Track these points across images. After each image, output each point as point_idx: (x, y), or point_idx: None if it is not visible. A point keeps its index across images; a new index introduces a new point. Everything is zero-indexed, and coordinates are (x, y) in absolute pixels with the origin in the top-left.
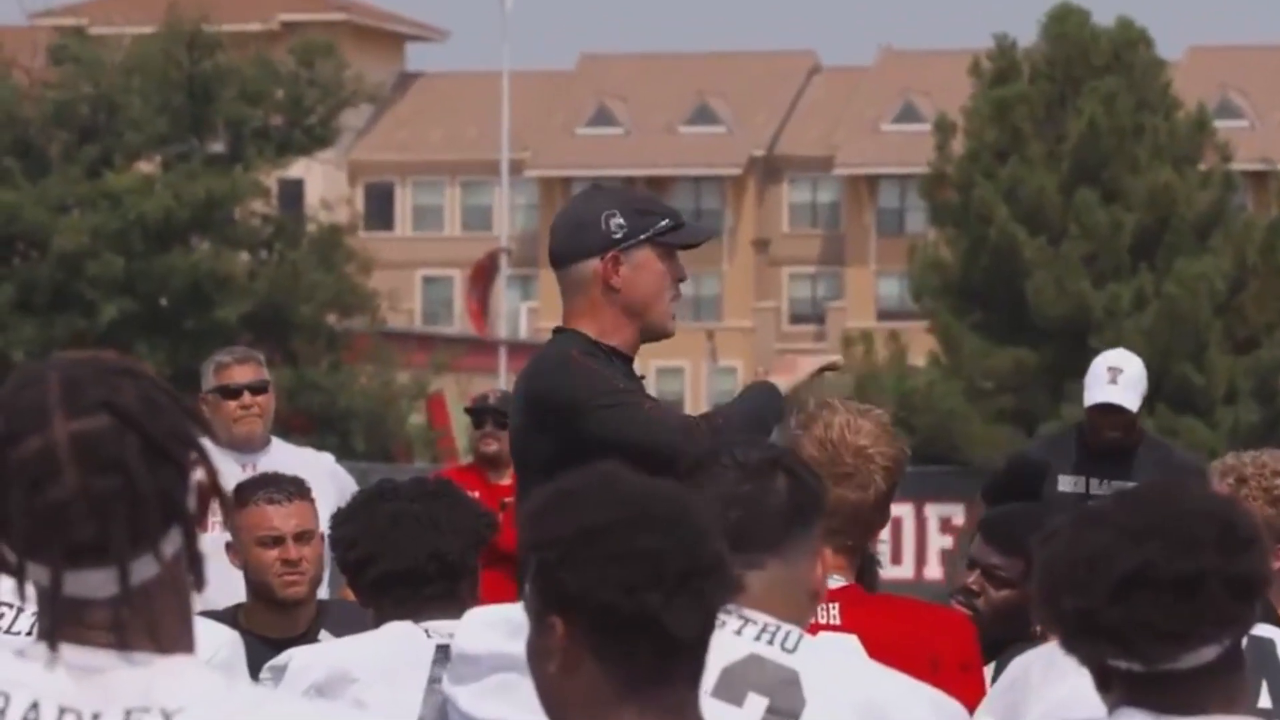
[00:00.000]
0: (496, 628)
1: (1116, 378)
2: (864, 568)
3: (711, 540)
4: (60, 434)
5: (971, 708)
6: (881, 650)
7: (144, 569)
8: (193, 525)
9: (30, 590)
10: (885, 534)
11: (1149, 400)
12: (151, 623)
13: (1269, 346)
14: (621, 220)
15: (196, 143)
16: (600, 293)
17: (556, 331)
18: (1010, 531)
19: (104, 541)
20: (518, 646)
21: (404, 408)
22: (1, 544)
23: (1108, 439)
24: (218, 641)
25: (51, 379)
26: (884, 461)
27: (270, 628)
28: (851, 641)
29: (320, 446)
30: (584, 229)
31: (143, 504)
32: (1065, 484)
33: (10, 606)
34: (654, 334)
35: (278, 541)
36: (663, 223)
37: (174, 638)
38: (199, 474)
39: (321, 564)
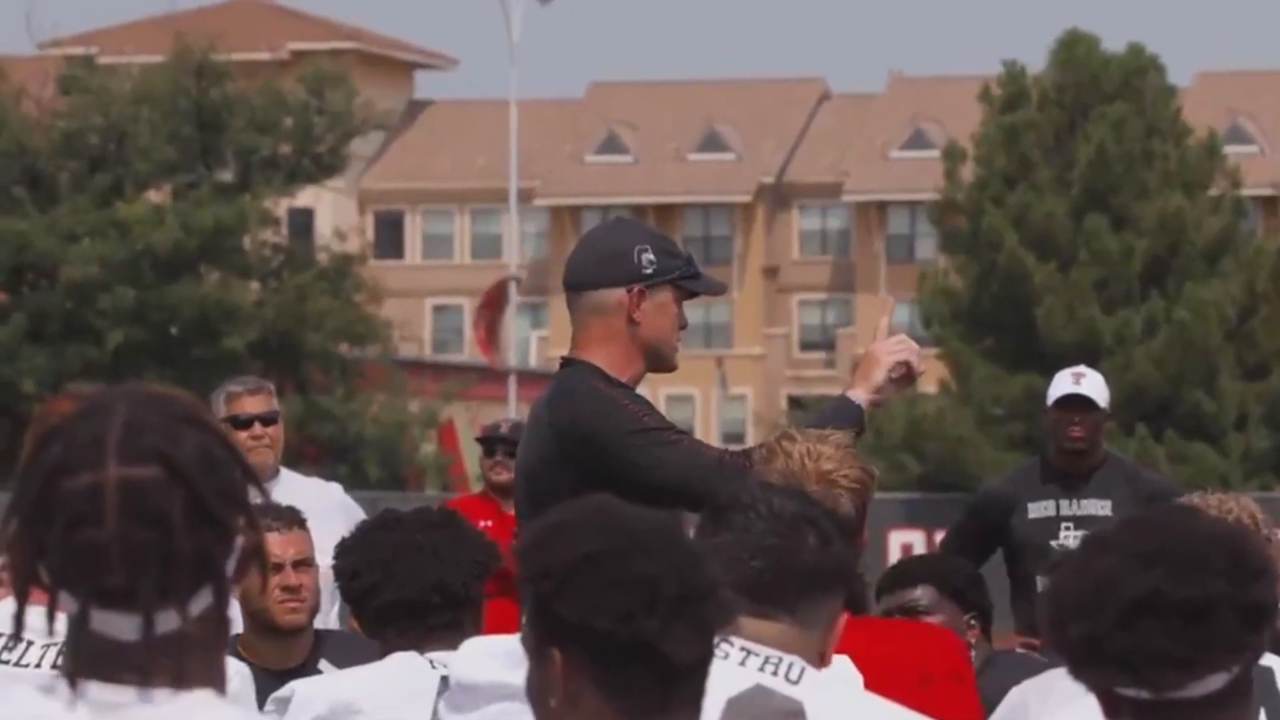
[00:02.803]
0: (497, 657)
1: (1080, 380)
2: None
3: (706, 565)
4: (111, 477)
5: (968, 719)
6: (872, 670)
7: (171, 620)
8: (225, 587)
9: (60, 622)
10: (895, 560)
11: (1158, 426)
12: (177, 664)
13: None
14: (653, 257)
15: (206, 172)
16: (621, 323)
17: (566, 362)
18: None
19: (132, 590)
20: (518, 677)
21: (416, 436)
22: (41, 568)
23: (1073, 440)
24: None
25: (116, 417)
26: (848, 483)
27: (268, 658)
28: (844, 662)
29: (332, 475)
30: (616, 258)
31: (177, 560)
32: (1035, 510)
33: (19, 639)
34: (658, 369)
35: (277, 568)
36: (684, 267)
37: (199, 678)
38: (243, 538)
39: (319, 593)
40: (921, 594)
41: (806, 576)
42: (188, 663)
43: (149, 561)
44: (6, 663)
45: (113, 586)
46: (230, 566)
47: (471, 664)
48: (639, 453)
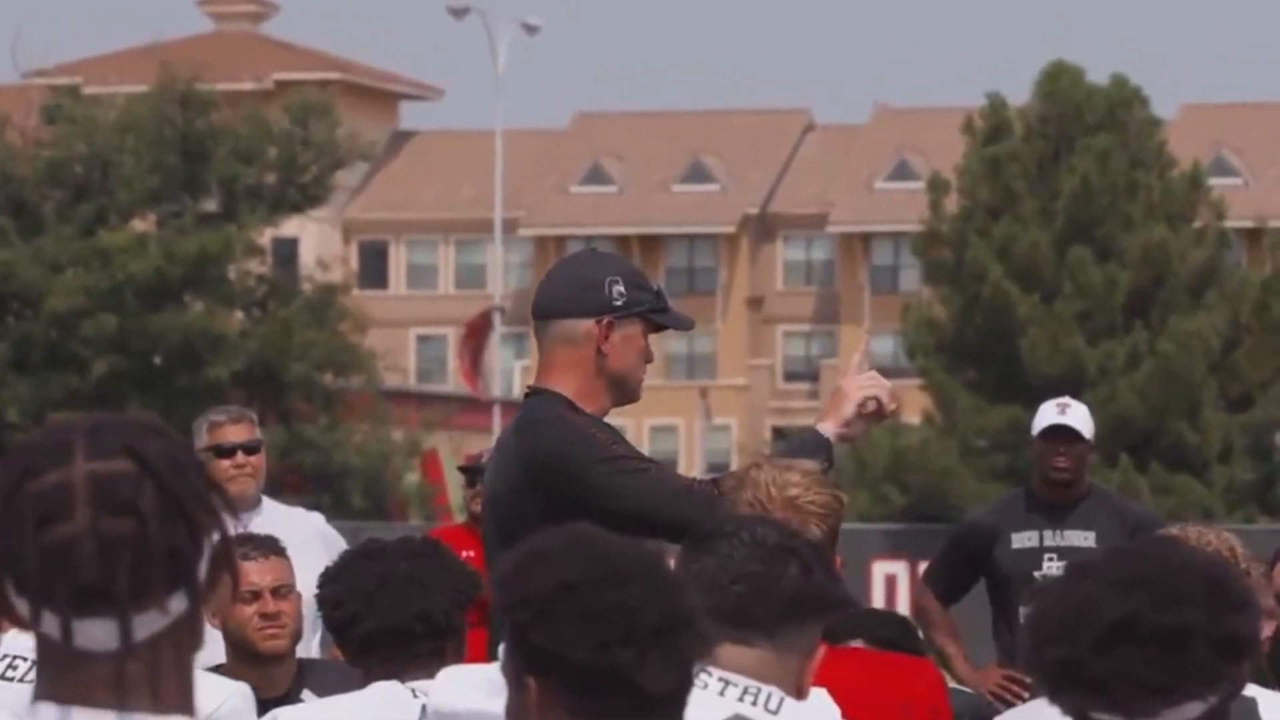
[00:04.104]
0: (476, 686)
1: (1065, 410)
2: None
3: (684, 596)
4: (79, 472)
5: None
6: (850, 701)
7: (148, 624)
8: (198, 591)
9: (33, 645)
10: (879, 592)
11: (1142, 458)
12: (154, 682)
13: (1263, 404)
14: (623, 289)
15: (190, 201)
16: (589, 353)
17: (533, 391)
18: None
19: (108, 586)
20: (497, 705)
21: (399, 465)
22: (9, 589)
23: (1058, 471)
24: (226, 691)
25: (80, 426)
26: (816, 509)
27: (250, 687)
28: (820, 695)
29: (315, 505)
30: (587, 288)
31: (151, 554)
32: (1019, 541)
33: (25, 659)
34: (623, 403)
35: (256, 596)
36: (653, 300)
37: (175, 699)
38: (213, 543)
39: (300, 620)
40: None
41: (787, 603)
42: (163, 682)
43: (122, 554)
44: (11, 680)
45: (87, 584)
46: (202, 572)
47: (450, 692)
48: (606, 480)
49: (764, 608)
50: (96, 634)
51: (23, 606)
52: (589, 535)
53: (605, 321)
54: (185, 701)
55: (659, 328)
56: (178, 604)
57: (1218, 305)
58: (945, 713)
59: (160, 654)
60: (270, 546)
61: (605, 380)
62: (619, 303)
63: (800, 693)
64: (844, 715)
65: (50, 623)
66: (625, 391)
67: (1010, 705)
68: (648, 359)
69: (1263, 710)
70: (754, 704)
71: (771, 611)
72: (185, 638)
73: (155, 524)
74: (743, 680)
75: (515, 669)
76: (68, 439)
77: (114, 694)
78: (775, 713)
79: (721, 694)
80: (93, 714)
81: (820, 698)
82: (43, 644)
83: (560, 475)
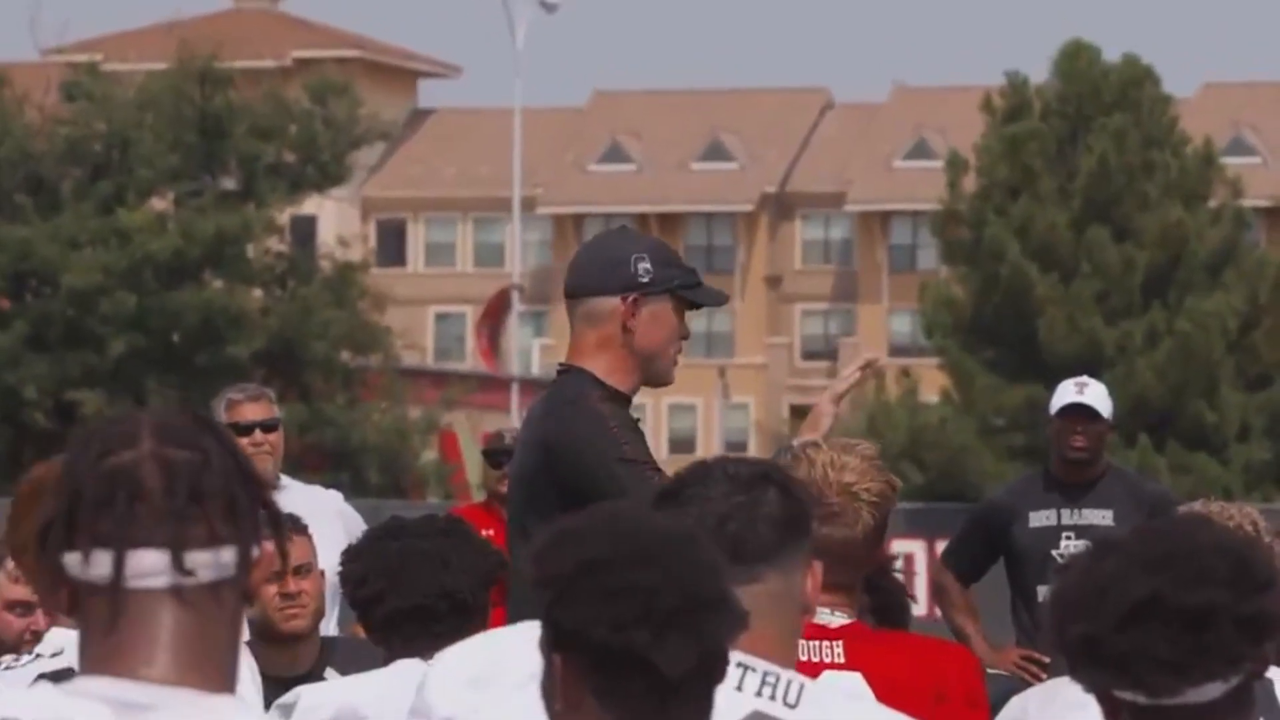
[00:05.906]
0: (468, 685)
1: (1083, 390)
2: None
3: (712, 576)
4: (146, 420)
5: None
6: (886, 687)
7: (199, 563)
8: (249, 557)
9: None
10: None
11: (1160, 437)
12: (200, 655)
13: None
14: (649, 266)
15: (209, 179)
16: (615, 331)
17: (564, 370)
18: None
19: (167, 501)
20: (484, 695)
21: (417, 444)
22: (58, 555)
23: (1075, 450)
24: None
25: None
26: (870, 497)
27: (274, 666)
28: (856, 680)
29: (333, 483)
30: (612, 266)
31: (210, 484)
32: (1036, 520)
33: (15, 657)
34: (655, 383)
35: (276, 576)
36: (682, 277)
37: (221, 676)
38: (261, 513)
39: (322, 598)
40: None
41: (776, 524)
42: (211, 655)
43: (183, 474)
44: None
45: (145, 499)
46: (253, 543)
47: (443, 697)
48: (615, 482)
49: (760, 536)
50: (149, 562)
51: (74, 562)
52: (622, 513)
53: (631, 299)
54: (229, 679)
55: (692, 305)
56: (228, 556)
57: (1235, 285)
58: (982, 705)
59: (204, 630)
60: (291, 525)
61: (634, 358)
62: (645, 279)
63: (810, 611)
64: (879, 700)
65: (101, 561)
66: (656, 370)
67: (1029, 685)
68: (683, 335)
69: None
70: (773, 698)
71: (768, 538)
72: (231, 608)
73: (217, 459)
74: (760, 665)
75: (545, 645)
76: (136, 412)
77: (156, 670)
78: (794, 706)
79: (739, 687)
80: (135, 686)
81: (855, 682)
82: (89, 609)
83: (568, 464)
